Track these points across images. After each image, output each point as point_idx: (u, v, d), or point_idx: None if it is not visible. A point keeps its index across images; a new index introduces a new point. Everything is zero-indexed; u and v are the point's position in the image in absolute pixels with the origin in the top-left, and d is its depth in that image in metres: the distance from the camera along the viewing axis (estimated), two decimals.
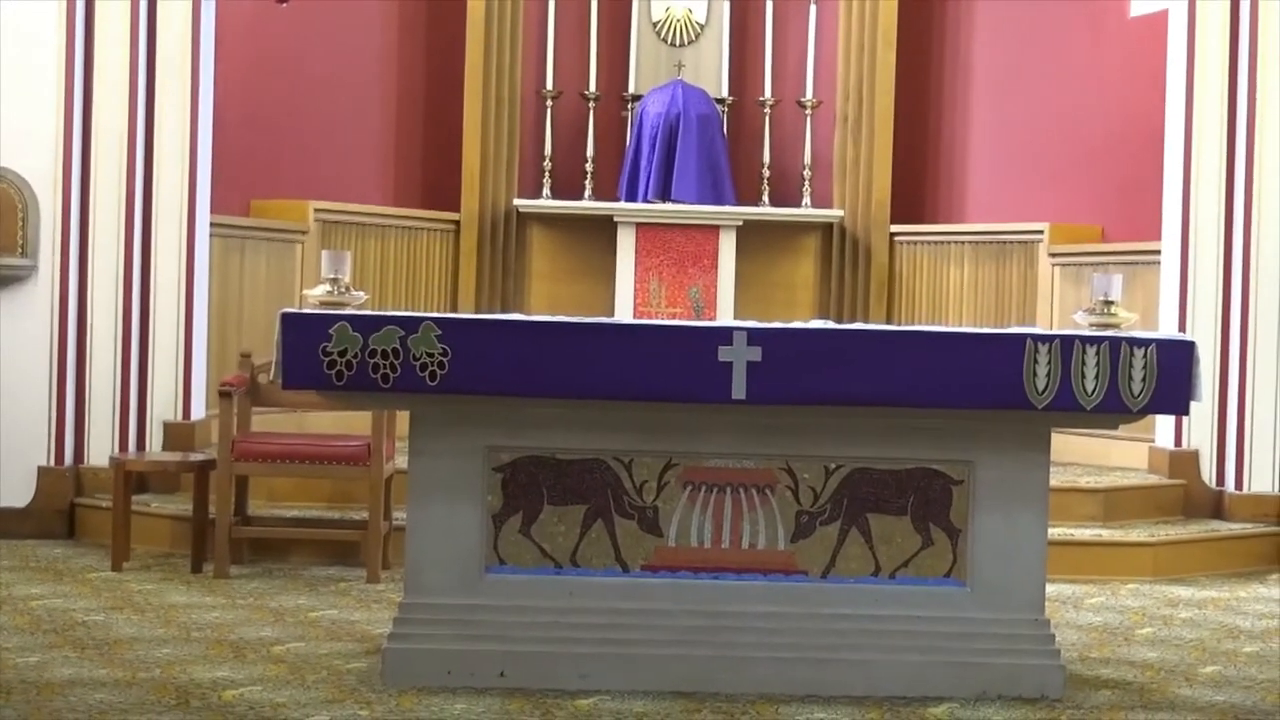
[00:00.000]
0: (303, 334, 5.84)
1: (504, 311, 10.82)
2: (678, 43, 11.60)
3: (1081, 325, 6.19)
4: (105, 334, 9.16)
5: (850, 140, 11.49)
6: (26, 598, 7.42)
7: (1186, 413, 6.07)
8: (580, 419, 5.99)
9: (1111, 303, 6.19)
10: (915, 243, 11.43)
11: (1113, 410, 5.90)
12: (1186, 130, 9.55)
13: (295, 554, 8.40)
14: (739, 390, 5.82)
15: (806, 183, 11.49)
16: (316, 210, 10.49)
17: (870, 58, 11.40)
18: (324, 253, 6.54)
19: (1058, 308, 10.53)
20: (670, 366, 5.83)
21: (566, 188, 11.42)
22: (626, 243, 11.12)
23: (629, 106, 11.51)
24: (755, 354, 5.82)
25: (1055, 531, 7.59)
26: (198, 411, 9.36)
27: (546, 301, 11.11)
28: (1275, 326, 9.28)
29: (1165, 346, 5.91)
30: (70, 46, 9.07)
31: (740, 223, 11.18)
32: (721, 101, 11.49)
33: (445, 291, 11.22)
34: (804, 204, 11.49)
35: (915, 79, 11.54)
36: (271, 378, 6.03)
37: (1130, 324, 6.21)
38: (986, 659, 6.00)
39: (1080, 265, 10.41)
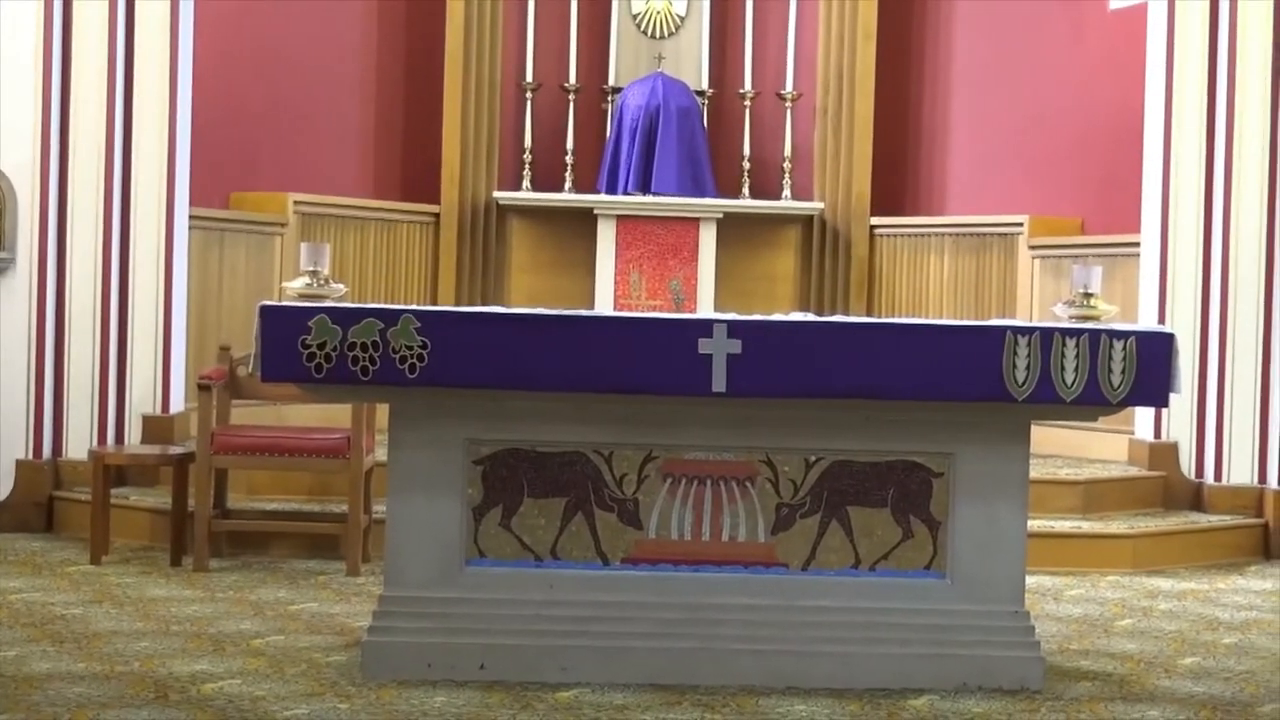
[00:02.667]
0: (282, 327, 5.82)
1: (484, 304, 10.82)
2: (658, 35, 11.60)
3: (1061, 317, 6.19)
4: (84, 327, 9.13)
5: (830, 133, 11.49)
6: (4, 591, 7.39)
7: (1166, 404, 6.08)
8: (560, 411, 5.98)
9: (1091, 295, 6.20)
10: (895, 235, 11.44)
11: (1092, 402, 5.91)
12: (1166, 123, 9.57)
13: (275, 547, 8.39)
14: (719, 383, 5.82)
15: (787, 175, 11.50)
16: (296, 203, 10.47)
17: (850, 50, 11.41)
18: (303, 245, 6.52)
19: (1038, 300, 10.55)
20: (650, 359, 5.83)
21: (546, 180, 11.41)
22: (607, 235, 11.12)
23: (609, 99, 11.50)
24: (735, 346, 5.82)
25: (1035, 523, 7.60)
26: (177, 404, 9.34)
27: (526, 294, 11.10)
28: (1254, 319, 9.31)
29: (1145, 338, 5.92)
30: (48, 38, 9.03)
31: (720, 215, 11.18)
32: (702, 94, 11.48)
33: (425, 284, 11.21)
34: (784, 196, 11.49)
35: (895, 71, 11.55)
36: (250, 370, 6.01)
37: (1110, 316, 6.22)
38: (966, 651, 6.01)
39: (1060, 257, 10.42)
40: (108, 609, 7.07)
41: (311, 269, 6.28)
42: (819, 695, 5.86)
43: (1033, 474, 6.31)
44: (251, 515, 8.48)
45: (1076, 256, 10.08)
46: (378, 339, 5.80)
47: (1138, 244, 9.75)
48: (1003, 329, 5.89)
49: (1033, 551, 6.50)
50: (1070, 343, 5.87)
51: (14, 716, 5.33)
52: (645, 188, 11.16)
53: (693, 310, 10.84)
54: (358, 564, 7.99)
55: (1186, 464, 9.49)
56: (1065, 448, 9.90)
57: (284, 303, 6.01)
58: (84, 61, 9.11)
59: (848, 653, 5.99)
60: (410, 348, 5.80)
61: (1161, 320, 9.44)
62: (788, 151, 11.50)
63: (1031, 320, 9.76)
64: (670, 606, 6.02)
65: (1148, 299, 9.61)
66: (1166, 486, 9.46)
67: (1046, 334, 5.88)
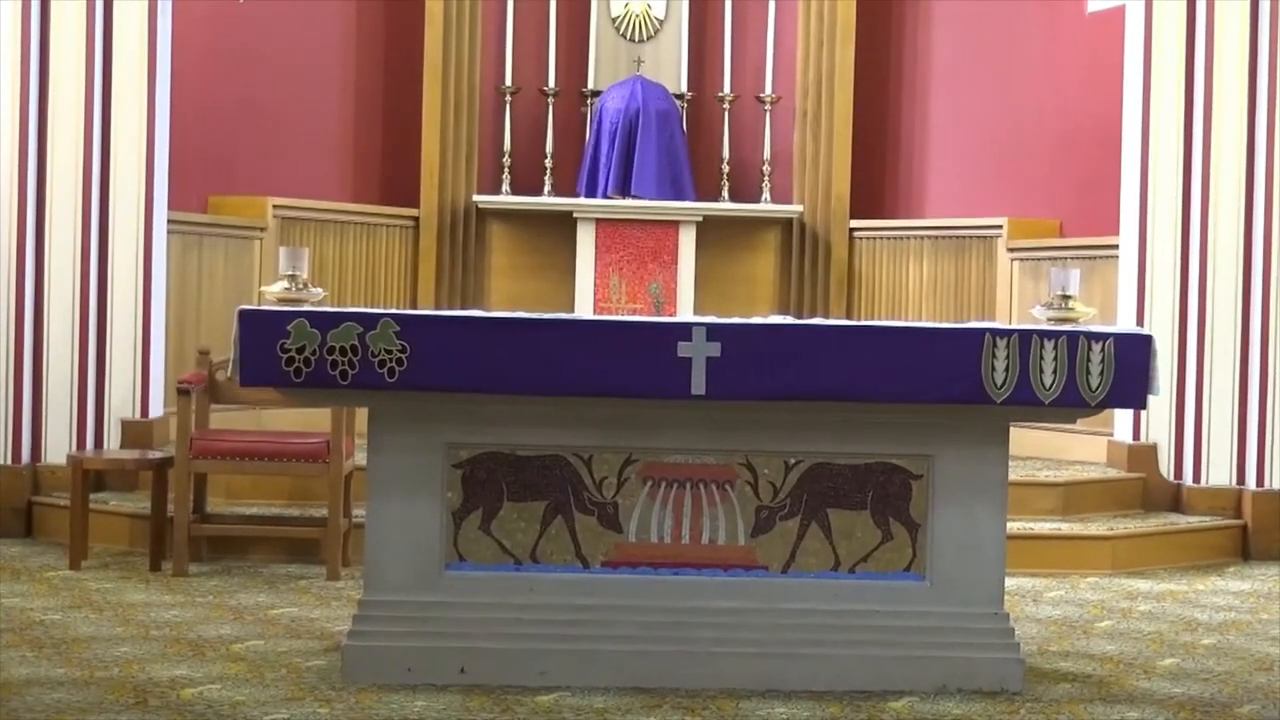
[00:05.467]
0: (261, 331, 5.82)
1: (464, 308, 10.81)
2: (637, 38, 11.60)
3: (1039, 320, 6.21)
4: (62, 332, 9.11)
5: (809, 136, 11.50)
6: None
7: (1144, 406, 6.09)
8: (540, 415, 5.98)
9: (1069, 297, 6.21)
10: (875, 238, 11.45)
11: (1071, 404, 5.93)
12: (1144, 125, 9.59)
13: (254, 552, 8.37)
14: (698, 386, 5.83)
15: (766, 178, 11.51)
16: (275, 207, 10.45)
17: (829, 53, 11.42)
18: (281, 249, 6.51)
19: (1016, 302, 10.57)
20: (630, 362, 5.83)
21: (526, 184, 11.41)
22: (586, 239, 11.11)
23: (588, 102, 11.50)
24: (714, 349, 5.83)
25: (1014, 525, 7.62)
26: (156, 409, 9.32)
27: (506, 298, 11.09)
28: (1232, 320, 9.34)
29: (1123, 340, 5.94)
30: (25, 42, 9.02)
31: (700, 218, 11.19)
32: (681, 97, 11.49)
33: (404, 288, 11.20)
34: (763, 199, 11.50)
35: (874, 74, 11.56)
36: (230, 375, 6.00)
37: (1088, 318, 6.24)
38: (946, 653, 6.02)
39: (1039, 260, 10.44)
40: (87, 614, 7.05)
41: (290, 273, 6.27)
42: (799, 697, 5.87)
43: (1012, 476, 6.32)
44: (231, 520, 8.46)
45: (1055, 259, 10.10)
46: (357, 343, 5.80)
47: (1116, 246, 9.77)
48: (981, 331, 5.90)
49: (1012, 553, 6.51)
50: (1049, 345, 5.89)
51: None
52: (625, 191, 11.16)
53: (672, 313, 10.85)
54: (338, 568, 7.98)
55: (1165, 465, 9.51)
56: (1044, 450, 9.92)
57: (263, 307, 6.00)
58: (62, 64, 9.09)
59: (828, 655, 6.00)
60: (389, 352, 5.80)
61: (1140, 322, 9.47)
62: (767, 154, 11.51)
63: (1010, 322, 9.79)
64: (650, 609, 6.02)
65: (1126, 301, 9.63)
66: (1145, 488, 9.48)
67: (1025, 336, 5.89)
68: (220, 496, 8.75)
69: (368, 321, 5.81)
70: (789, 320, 6.14)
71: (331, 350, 5.80)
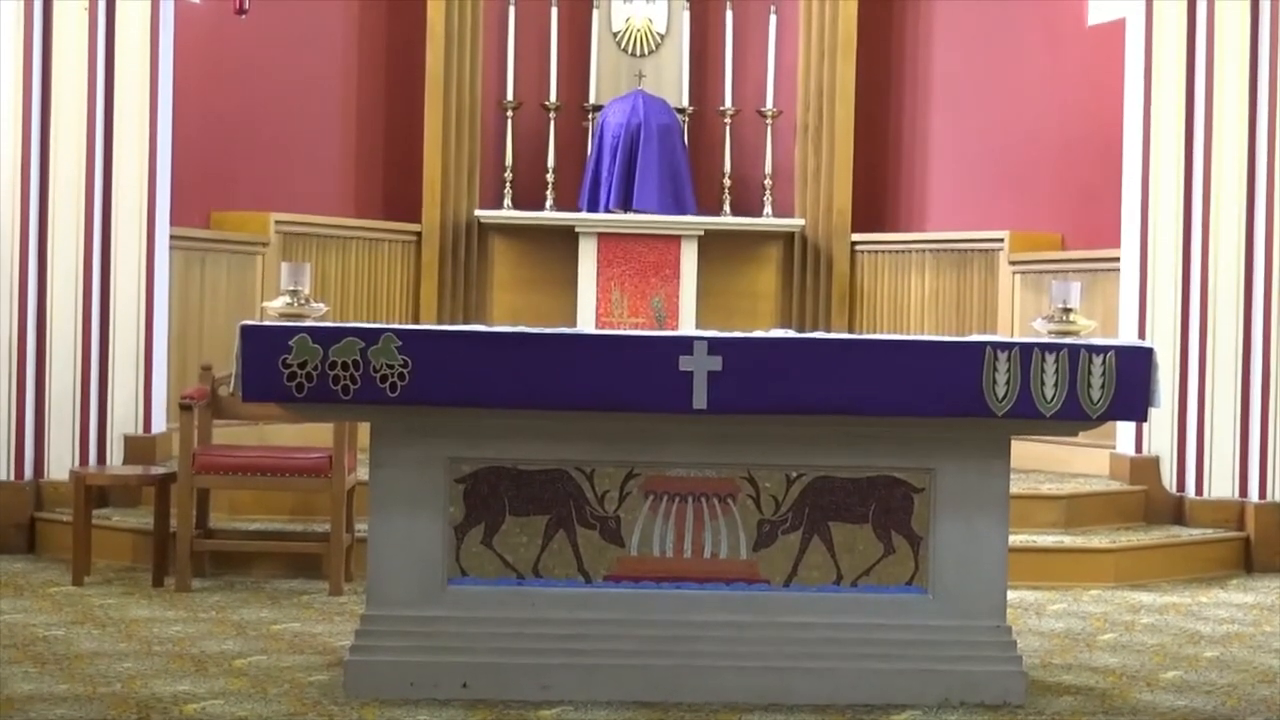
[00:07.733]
0: (263, 346, 5.83)
1: (466, 322, 10.83)
2: (638, 53, 11.62)
3: (1041, 333, 6.21)
4: (65, 347, 9.12)
5: (811, 149, 11.52)
6: None
7: (1145, 419, 6.10)
8: (542, 429, 5.99)
9: (1070, 310, 6.22)
10: (876, 252, 11.46)
11: (1072, 417, 5.93)
12: (1144, 138, 9.60)
13: (257, 567, 8.38)
14: (700, 400, 5.83)
15: (768, 192, 11.52)
16: (277, 222, 10.46)
17: (830, 67, 11.44)
18: (283, 264, 6.52)
19: (1018, 315, 10.57)
20: (631, 376, 5.84)
21: (528, 198, 11.42)
22: (588, 253, 11.13)
23: (590, 117, 11.51)
24: (716, 363, 5.83)
25: (1017, 538, 7.62)
26: (158, 424, 9.33)
27: (508, 312, 11.10)
28: (1233, 332, 9.34)
29: (1124, 353, 5.94)
30: (27, 59, 9.03)
31: (702, 232, 11.20)
32: (682, 111, 11.50)
33: (407, 303, 11.21)
34: (765, 213, 11.51)
35: (875, 88, 11.58)
36: (232, 390, 6.01)
37: (1089, 331, 6.24)
38: (949, 666, 6.02)
39: (1040, 273, 10.45)
40: (90, 630, 7.05)
41: (292, 288, 6.28)
42: (802, 711, 5.87)
43: (1014, 489, 6.33)
44: (234, 535, 8.47)
45: (1056, 272, 10.11)
46: (359, 358, 5.81)
47: (1117, 259, 9.77)
48: (983, 344, 5.90)
49: (1015, 566, 6.52)
50: (1050, 358, 5.89)
51: None
52: (626, 205, 11.18)
53: (674, 328, 10.84)
54: (340, 583, 7.98)
55: (1168, 478, 9.51)
56: (1046, 462, 9.92)
57: (265, 322, 6.01)
58: (63, 80, 9.10)
59: (830, 669, 6.00)
60: (391, 366, 5.81)
61: (1141, 335, 9.47)
62: (768, 168, 11.52)
63: (1012, 336, 9.80)
64: (652, 624, 6.02)
65: (1128, 314, 9.64)
66: (1148, 501, 9.48)
67: (1026, 349, 5.90)
68: (223, 512, 8.75)
69: (369, 336, 5.82)
70: (791, 334, 6.15)
71: (333, 365, 5.81)
